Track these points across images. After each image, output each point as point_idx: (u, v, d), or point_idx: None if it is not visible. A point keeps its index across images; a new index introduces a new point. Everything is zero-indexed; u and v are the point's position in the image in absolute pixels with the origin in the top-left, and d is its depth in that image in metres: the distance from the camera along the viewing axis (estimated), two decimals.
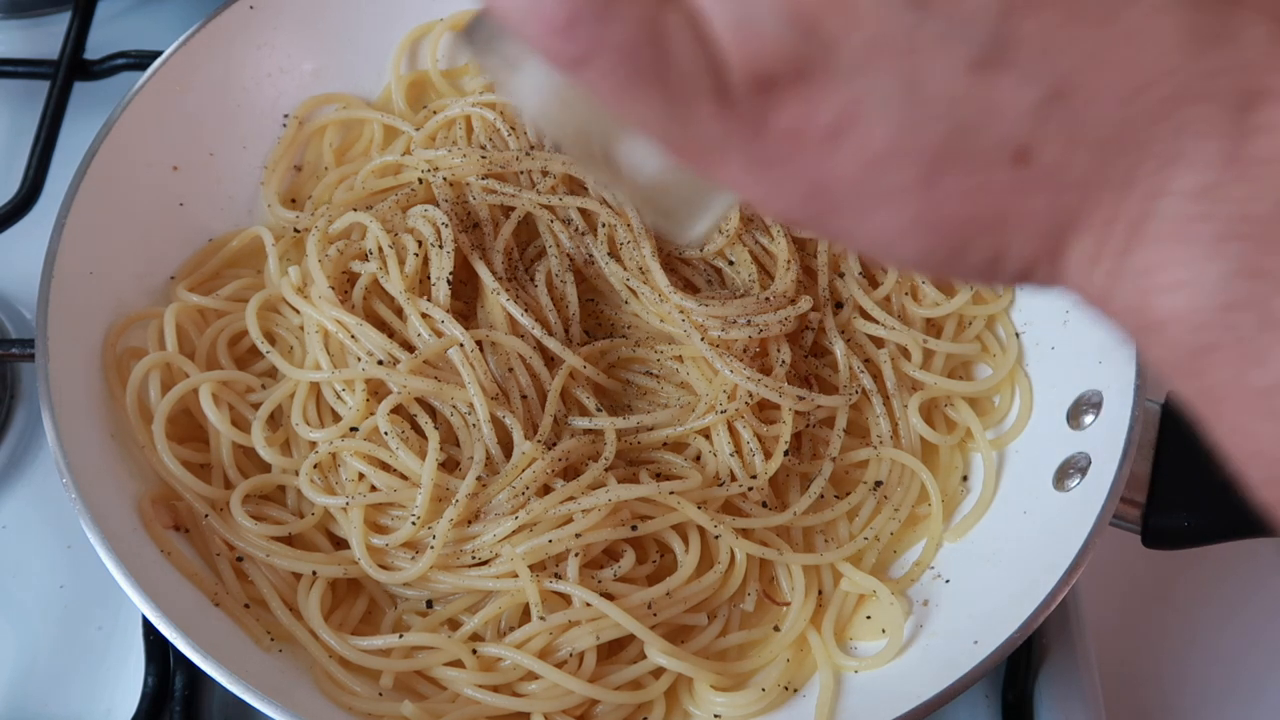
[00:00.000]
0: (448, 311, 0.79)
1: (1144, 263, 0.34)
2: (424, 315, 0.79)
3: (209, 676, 0.65)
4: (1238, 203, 0.32)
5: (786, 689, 0.74)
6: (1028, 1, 0.32)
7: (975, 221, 0.36)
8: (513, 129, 0.89)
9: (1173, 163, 0.33)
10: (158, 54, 0.86)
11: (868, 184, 0.35)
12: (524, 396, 0.79)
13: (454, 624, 0.74)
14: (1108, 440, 0.73)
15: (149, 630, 0.75)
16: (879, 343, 0.84)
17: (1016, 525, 0.77)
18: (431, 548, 0.73)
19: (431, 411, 0.79)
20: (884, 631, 0.75)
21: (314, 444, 0.77)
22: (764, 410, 0.80)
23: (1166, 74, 0.32)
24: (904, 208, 0.36)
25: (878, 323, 0.84)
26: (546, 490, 0.75)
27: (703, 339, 0.80)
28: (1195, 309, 0.33)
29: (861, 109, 0.34)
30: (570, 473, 0.76)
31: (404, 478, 0.76)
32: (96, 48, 1.02)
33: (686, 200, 0.43)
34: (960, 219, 0.36)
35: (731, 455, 0.78)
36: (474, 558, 0.74)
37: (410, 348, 0.79)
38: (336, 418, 0.79)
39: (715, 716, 0.73)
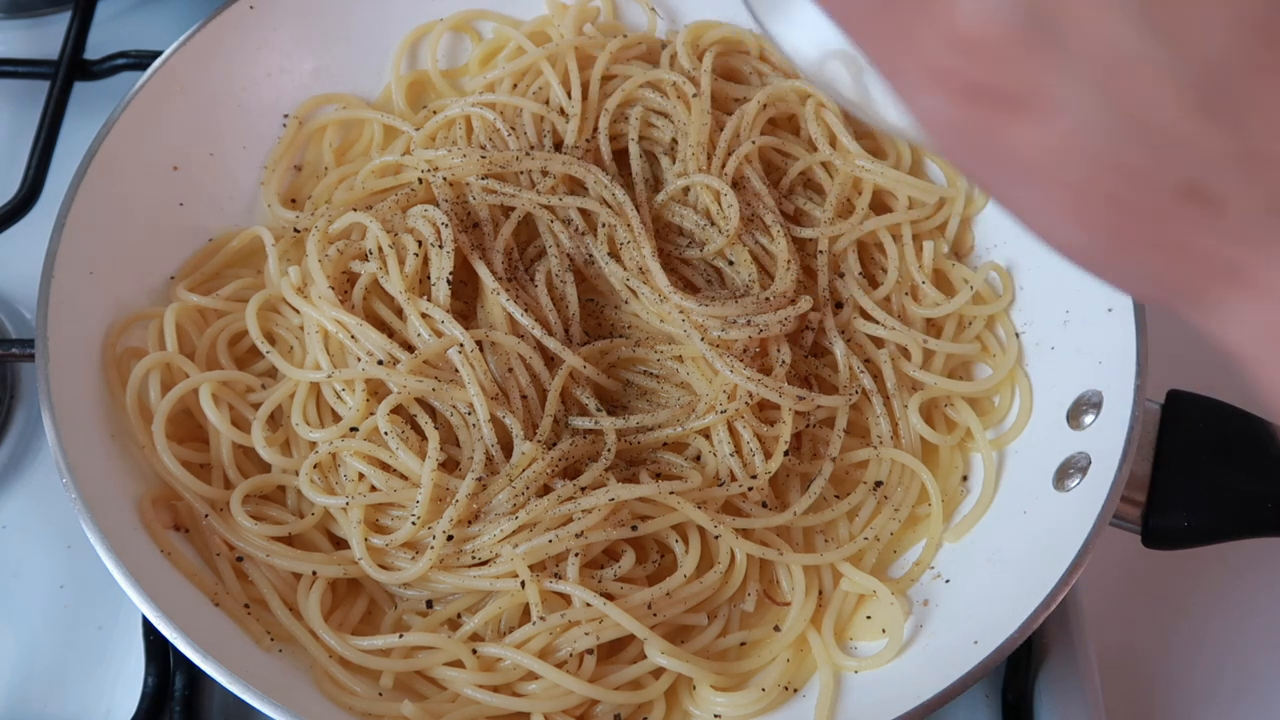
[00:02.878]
0: (448, 311, 0.79)
1: None
2: (424, 315, 0.79)
3: (209, 676, 0.65)
4: None
5: (786, 689, 0.74)
6: (1262, 67, 0.33)
7: (1140, 240, 0.37)
8: (513, 129, 0.89)
9: None
10: (158, 54, 0.86)
11: (1045, 166, 0.36)
12: (524, 396, 0.79)
13: (454, 624, 0.74)
14: (1108, 440, 0.73)
15: (149, 630, 0.75)
16: (879, 343, 0.84)
17: (1016, 525, 0.77)
18: (431, 548, 0.73)
19: (431, 411, 0.79)
20: (884, 631, 0.75)
21: (314, 444, 0.77)
22: (764, 410, 0.80)
23: None
24: (1073, 202, 0.36)
25: (878, 323, 0.84)
26: (546, 490, 0.75)
27: (703, 339, 0.80)
28: None
29: (1065, 101, 0.35)
30: (570, 473, 0.76)
31: (404, 478, 0.76)
32: (96, 48, 1.02)
33: None
34: (1126, 231, 0.37)
35: (731, 455, 0.78)
36: (474, 558, 0.74)
37: (410, 348, 0.79)
38: (336, 418, 0.79)
39: (715, 716, 0.73)
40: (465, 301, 0.83)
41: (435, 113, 0.91)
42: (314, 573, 0.74)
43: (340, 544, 0.77)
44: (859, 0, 0.37)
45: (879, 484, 0.80)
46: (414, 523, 0.73)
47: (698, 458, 0.79)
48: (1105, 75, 0.34)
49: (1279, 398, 0.37)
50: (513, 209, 0.86)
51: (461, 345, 0.78)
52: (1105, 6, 0.33)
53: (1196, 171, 0.35)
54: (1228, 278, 0.36)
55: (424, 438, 0.76)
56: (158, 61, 0.86)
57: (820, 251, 0.86)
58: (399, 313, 0.81)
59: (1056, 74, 0.35)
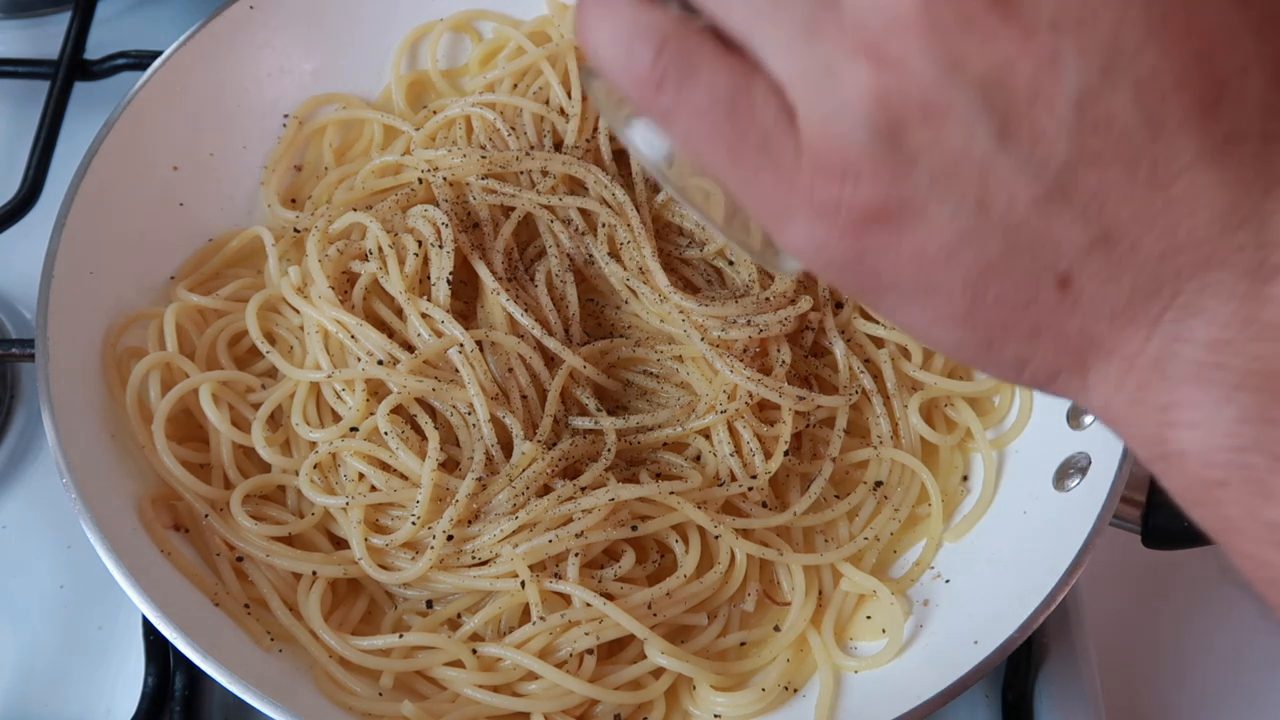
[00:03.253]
0: (448, 311, 0.79)
1: (1163, 399, 0.38)
2: (424, 315, 0.79)
3: (209, 676, 0.65)
4: (1251, 359, 0.36)
5: (786, 689, 0.74)
6: (1096, 156, 0.36)
7: (1012, 329, 0.39)
8: (513, 129, 0.89)
9: (1195, 315, 0.37)
10: (158, 54, 0.86)
11: (919, 277, 0.39)
12: (524, 396, 0.79)
13: (454, 624, 0.74)
14: (1108, 440, 0.73)
15: (149, 630, 0.75)
16: (879, 343, 0.84)
17: (1017, 525, 0.77)
18: (431, 548, 0.73)
19: (431, 411, 0.79)
20: (884, 631, 0.75)
21: (314, 444, 0.77)
22: (764, 410, 0.80)
23: (1202, 241, 0.36)
24: (948, 303, 0.39)
25: (878, 323, 0.84)
26: (546, 490, 0.75)
27: (703, 339, 0.80)
28: (1209, 447, 0.37)
29: (930, 212, 0.37)
30: (570, 473, 0.76)
31: (404, 478, 0.76)
32: (96, 48, 1.02)
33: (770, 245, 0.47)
34: (998, 324, 0.39)
35: (731, 455, 0.78)
36: (474, 558, 0.74)
37: (410, 348, 0.79)
38: (336, 418, 0.79)
39: (715, 716, 0.73)
40: (465, 301, 0.83)
41: (435, 113, 0.91)
42: (314, 573, 0.74)
43: (340, 544, 0.77)
44: (719, 146, 0.39)
45: (879, 484, 0.80)
46: (414, 523, 0.73)
47: (698, 458, 0.79)
48: (972, 183, 0.37)
49: (1142, 450, 0.40)
50: (513, 209, 0.86)
51: (461, 345, 0.78)
52: (959, 120, 0.36)
53: (1059, 259, 0.37)
54: (1094, 351, 0.39)
55: (424, 438, 0.76)
56: (158, 61, 0.86)
57: None
58: (399, 313, 0.81)
59: (926, 191, 0.37)
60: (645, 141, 0.45)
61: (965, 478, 0.82)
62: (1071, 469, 0.75)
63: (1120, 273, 0.37)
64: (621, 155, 0.89)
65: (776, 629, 0.75)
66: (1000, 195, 0.36)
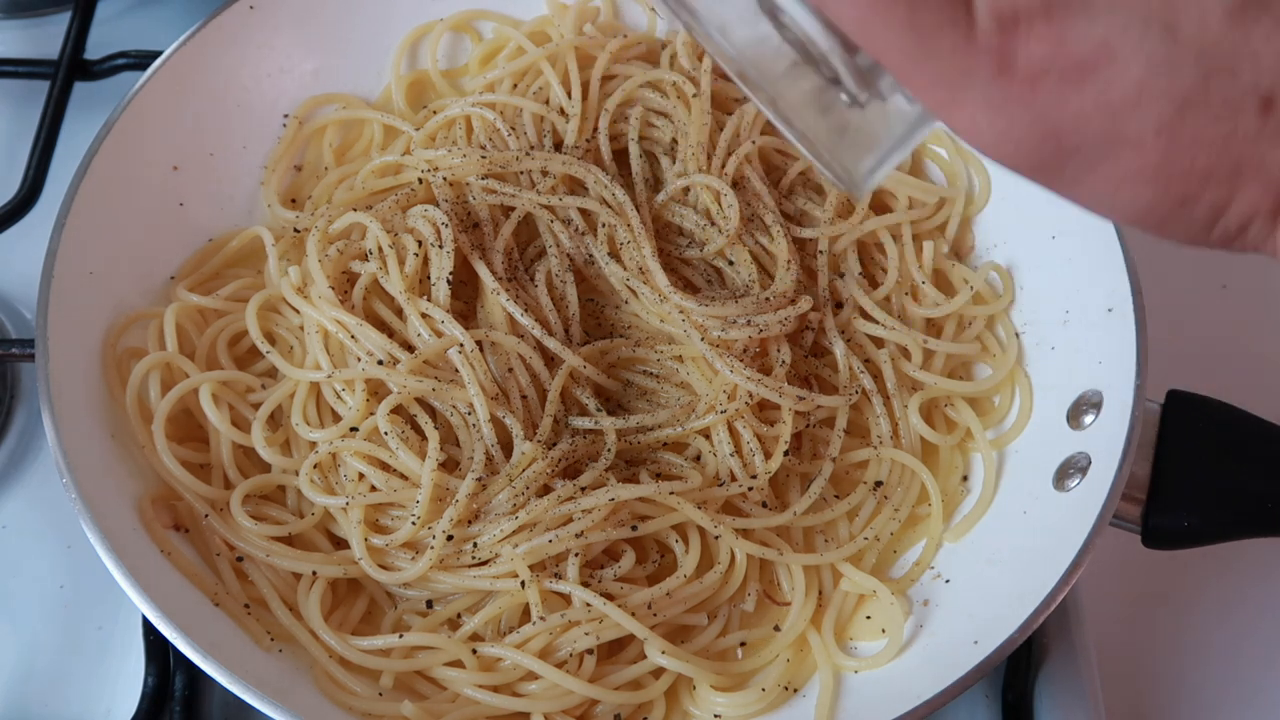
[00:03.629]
0: (448, 311, 0.79)
1: None
2: (424, 315, 0.79)
3: (209, 676, 0.65)
4: None
5: (786, 689, 0.74)
6: None
7: (1211, 172, 0.35)
8: (513, 129, 0.89)
9: None
10: (158, 54, 0.86)
11: (1109, 130, 0.35)
12: (524, 396, 0.79)
13: (454, 624, 0.74)
14: (1108, 440, 0.73)
15: (149, 630, 0.75)
16: (879, 343, 0.84)
17: (1016, 525, 0.77)
18: (431, 548, 0.73)
19: (431, 411, 0.79)
20: (884, 631, 0.75)
21: (314, 444, 0.77)
22: (764, 410, 0.80)
23: None
24: (1141, 156, 0.36)
25: (878, 323, 0.84)
26: (546, 490, 0.75)
27: (703, 339, 0.80)
28: None
29: (1113, 48, 0.34)
30: (570, 473, 0.76)
31: (404, 478, 0.76)
32: (96, 48, 1.02)
33: (871, 142, 0.43)
34: (1197, 169, 0.35)
35: (731, 455, 0.78)
36: (474, 558, 0.74)
37: (410, 348, 0.79)
38: (336, 418, 0.79)
39: (715, 716, 0.73)
40: (465, 301, 0.83)
41: (435, 113, 0.91)
42: (314, 573, 0.74)
43: (340, 544, 0.77)
44: (895, 14, 0.36)
45: (879, 484, 0.80)
46: (414, 523, 0.73)
47: (698, 458, 0.79)
48: (1149, 6, 0.33)
49: None
50: (513, 209, 0.86)
51: (461, 345, 0.78)
52: None
53: (1261, 77, 0.34)
54: None
55: (424, 438, 0.76)
56: (158, 61, 0.86)
57: (820, 251, 0.86)
58: (399, 313, 0.81)
59: (1105, 22, 0.34)
60: (738, 25, 0.42)
61: (965, 478, 0.82)
62: (1071, 469, 0.75)
63: None
64: (621, 155, 0.89)
65: (776, 629, 0.75)
66: (1190, 13, 0.34)
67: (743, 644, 0.75)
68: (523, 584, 0.72)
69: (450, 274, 0.80)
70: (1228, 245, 0.38)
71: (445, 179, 0.86)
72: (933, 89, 0.37)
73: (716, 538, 0.76)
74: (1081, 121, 0.35)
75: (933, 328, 0.86)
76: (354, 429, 0.77)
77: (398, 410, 0.77)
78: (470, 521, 0.74)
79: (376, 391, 0.78)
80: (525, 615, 0.73)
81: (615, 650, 0.75)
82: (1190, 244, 0.39)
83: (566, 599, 0.73)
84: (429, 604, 0.75)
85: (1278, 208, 0.36)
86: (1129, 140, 0.35)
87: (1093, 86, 0.35)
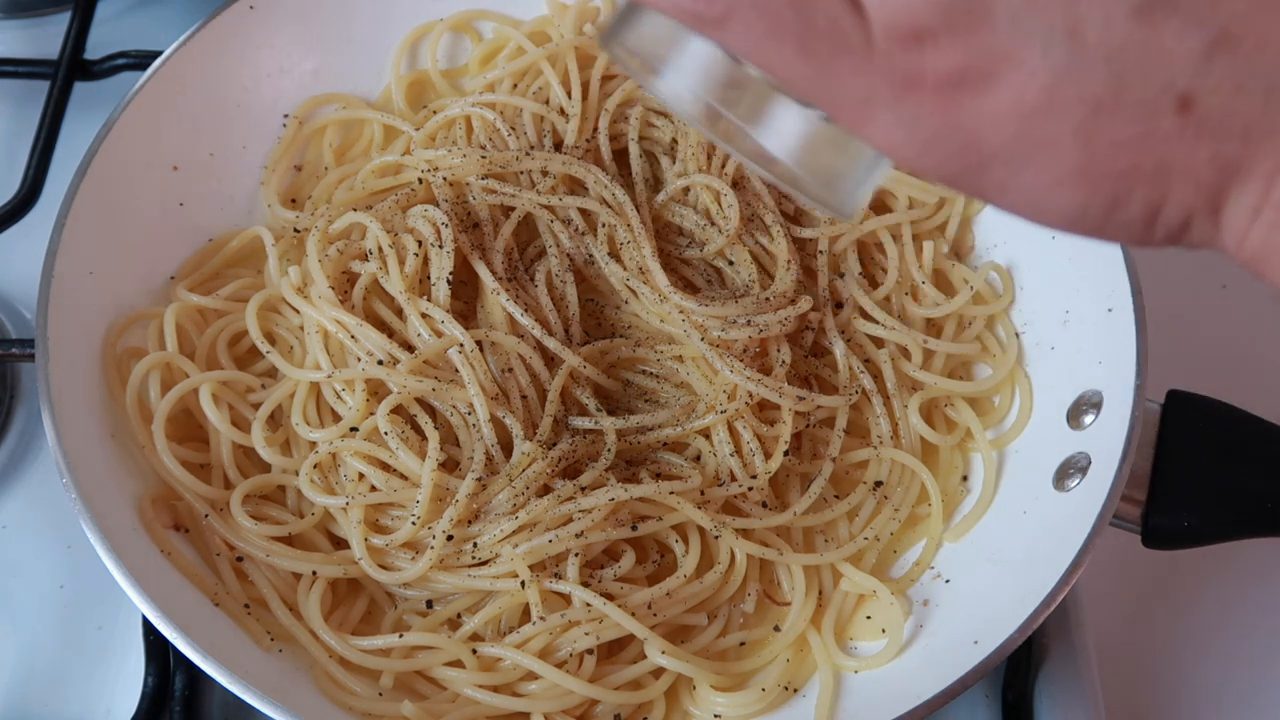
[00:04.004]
0: (448, 311, 0.79)
1: None
2: (424, 315, 0.79)
3: (209, 676, 0.65)
4: None
5: (786, 689, 0.74)
6: None
7: (1135, 172, 0.35)
8: (513, 129, 0.89)
9: None
10: (158, 54, 0.86)
11: (1024, 134, 0.35)
12: (524, 396, 0.79)
13: (454, 624, 0.74)
14: (1108, 440, 0.73)
15: (149, 630, 0.75)
16: (879, 343, 0.84)
17: (1016, 525, 0.77)
18: (431, 548, 0.73)
19: (431, 411, 0.79)
20: (884, 631, 0.75)
21: (314, 444, 0.78)
22: (764, 410, 0.80)
23: None
24: (1061, 159, 0.35)
25: (878, 323, 0.84)
26: (546, 490, 0.75)
27: (703, 339, 0.80)
28: None
29: (1019, 57, 0.34)
30: (570, 473, 0.76)
31: (404, 478, 0.76)
32: (96, 48, 1.02)
33: (840, 171, 0.43)
34: (1120, 170, 0.35)
35: (731, 455, 0.78)
36: (474, 558, 0.74)
37: (410, 348, 0.79)
38: (336, 418, 0.79)
39: (715, 716, 0.73)
40: (465, 301, 0.83)
41: (435, 113, 0.91)
42: (314, 573, 0.74)
43: (340, 544, 0.77)
44: (787, 40, 0.36)
45: (879, 484, 0.80)
46: (414, 523, 0.73)
47: (698, 458, 0.79)
48: (1057, 9, 0.33)
49: None
50: (513, 209, 0.86)
51: (461, 345, 0.78)
52: None
53: (1174, 77, 0.34)
54: (1229, 178, 0.35)
55: (424, 438, 0.76)
56: (158, 61, 0.86)
57: (820, 251, 0.86)
58: (399, 313, 0.81)
59: (1009, 33, 0.34)
60: (680, 90, 0.42)
61: (965, 478, 0.82)
62: (1071, 469, 0.75)
63: (1247, 77, 0.33)
64: (621, 155, 0.89)
65: (776, 629, 0.75)
66: (1093, 16, 0.33)
67: (742, 644, 0.75)
68: (523, 584, 0.72)
69: (450, 274, 0.80)
70: (1176, 243, 0.37)
71: (445, 179, 0.86)
72: (841, 111, 0.37)
73: (716, 538, 0.76)
74: (996, 127, 0.35)
75: (933, 328, 0.86)
76: (354, 429, 0.77)
77: (398, 410, 0.77)
78: (470, 521, 0.74)
79: (376, 391, 0.78)
80: (525, 615, 0.73)
81: (615, 650, 0.75)
82: (1138, 245, 0.39)
83: (566, 599, 0.73)
84: (429, 604, 0.75)
85: (1214, 205, 0.36)
86: (1046, 144, 0.35)
87: (1004, 93, 0.35)
